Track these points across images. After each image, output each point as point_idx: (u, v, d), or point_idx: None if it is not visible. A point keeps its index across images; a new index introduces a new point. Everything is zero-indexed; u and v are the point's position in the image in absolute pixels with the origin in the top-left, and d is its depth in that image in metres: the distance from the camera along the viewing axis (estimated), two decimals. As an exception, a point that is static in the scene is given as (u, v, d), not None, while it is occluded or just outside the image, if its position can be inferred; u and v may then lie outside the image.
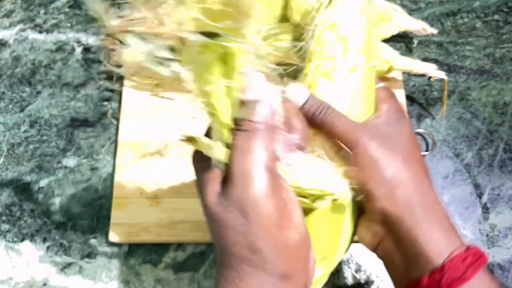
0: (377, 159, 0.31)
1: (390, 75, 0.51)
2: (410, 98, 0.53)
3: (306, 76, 0.34)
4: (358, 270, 0.46)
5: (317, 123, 0.32)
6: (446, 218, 0.31)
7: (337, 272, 0.45)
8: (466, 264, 0.29)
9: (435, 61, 0.54)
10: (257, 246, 0.26)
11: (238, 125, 0.27)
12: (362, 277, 0.45)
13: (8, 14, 0.59)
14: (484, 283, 0.29)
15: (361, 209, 0.33)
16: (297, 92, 0.32)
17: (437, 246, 0.29)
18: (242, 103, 0.27)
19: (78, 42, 0.57)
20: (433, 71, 0.49)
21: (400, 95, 0.51)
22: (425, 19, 0.57)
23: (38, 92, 0.54)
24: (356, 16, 0.34)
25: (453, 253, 0.29)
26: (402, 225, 0.30)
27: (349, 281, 0.45)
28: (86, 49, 0.57)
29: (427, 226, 0.30)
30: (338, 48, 0.33)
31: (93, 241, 0.47)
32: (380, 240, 0.32)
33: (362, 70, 0.33)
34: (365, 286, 0.45)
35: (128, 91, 0.52)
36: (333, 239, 0.33)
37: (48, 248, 0.47)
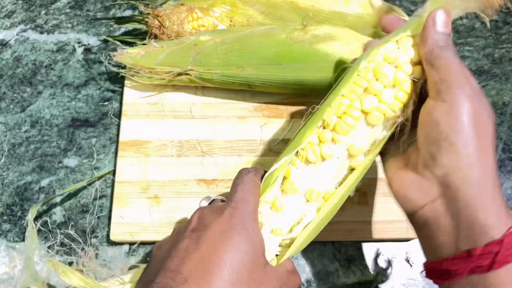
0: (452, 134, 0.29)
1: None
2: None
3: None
4: (360, 269, 0.46)
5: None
6: (502, 197, 0.30)
7: (336, 271, 0.46)
8: None
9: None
10: None
11: None
12: (362, 276, 0.46)
13: (9, 15, 0.59)
14: None
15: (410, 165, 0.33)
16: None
17: (497, 219, 0.28)
18: None
19: (79, 42, 0.57)
20: None
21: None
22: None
23: (39, 92, 0.54)
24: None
25: None
26: (465, 192, 0.29)
27: (351, 280, 0.45)
28: (87, 50, 0.57)
29: (490, 198, 0.29)
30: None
31: (94, 240, 0.47)
32: (431, 200, 0.31)
33: None
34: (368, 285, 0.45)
35: (129, 91, 0.52)
36: None
37: (49, 247, 0.47)
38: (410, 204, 0.32)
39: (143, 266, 0.37)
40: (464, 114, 0.29)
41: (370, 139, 0.34)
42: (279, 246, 0.34)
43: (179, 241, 0.32)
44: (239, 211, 0.32)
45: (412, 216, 0.32)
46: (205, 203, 0.38)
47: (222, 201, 0.36)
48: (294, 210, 0.35)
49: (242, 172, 0.35)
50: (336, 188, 0.34)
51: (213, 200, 0.38)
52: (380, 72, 0.32)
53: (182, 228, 0.34)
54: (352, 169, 0.35)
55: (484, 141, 0.29)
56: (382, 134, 0.34)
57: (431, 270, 0.31)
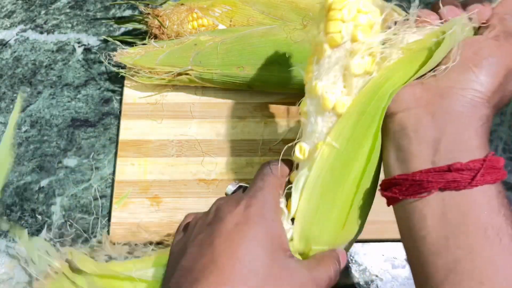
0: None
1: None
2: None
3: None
4: (360, 269, 0.46)
5: None
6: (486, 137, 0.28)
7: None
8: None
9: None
10: None
11: None
12: (362, 276, 0.46)
13: (9, 15, 0.59)
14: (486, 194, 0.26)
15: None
16: None
17: (480, 142, 0.27)
18: None
19: (79, 42, 0.57)
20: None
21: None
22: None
23: (39, 93, 0.54)
24: None
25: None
26: (459, 108, 0.28)
27: (351, 280, 0.45)
28: (87, 50, 0.57)
29: (478, 126, 0.28)
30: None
31: (93, 240, 0.47)
32: (418, 106, 0.29)
33: None
34: (365, 285, 0.45)
35: (129, 91, 0.52)
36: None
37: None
38: (396, 103, 0.30)
39: (161, 250, 0.37)
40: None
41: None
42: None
43: (195, 236, 0.30)
44: (256, 200, 0.30)
45: (389, 118, 0.30)
46: (231, 189, 0.36)
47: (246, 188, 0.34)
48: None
49: (263, 164, 0.34)
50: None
51: (240, 186, 0.35)
52: None
53: (199, 222, 0.32)
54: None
55: (506, 88, 0.29)
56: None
57: (396, 184, 0.29)
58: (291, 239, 0.31)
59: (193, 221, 0.34)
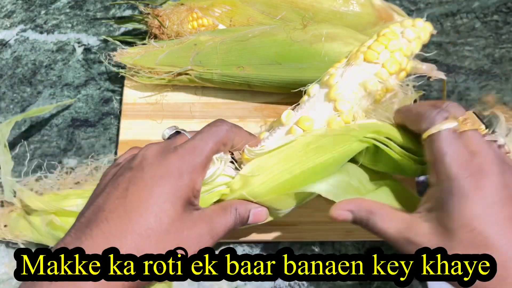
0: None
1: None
2: (409, 98, 0.53)
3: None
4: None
5: None
6: None
7: (337, 272, 0.46)
8: None
9: (434, 61, 0.54)
10: None
11: None
12: (361, 276, 0.46)
13: (9, 15, 0.59)
14: None
15: None
16: None
17: None
18: None
19: (79, 42, 0.57)
20: (433, 71, 0.50)
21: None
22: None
23: (39, 92, 0.54)
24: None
25: None
26: None
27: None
28: (87, 50, 0.57)
29: None
30: None
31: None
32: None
33: None
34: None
35: (129, 91, 0.52)
36: None
37: (48, 247, 0.47)
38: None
39: None
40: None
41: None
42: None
43: (117, 176, 0.32)
44: (182, 160, 0.31)
45: None
46: (168, 133, 0.36)
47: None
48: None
49: (216, 121, 0.35)
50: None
51: (178, 132, 0.36)
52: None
53: (126, 162, 0.33)
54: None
55: None
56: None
57: None
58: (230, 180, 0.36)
59: (124, 161, 0.34)
